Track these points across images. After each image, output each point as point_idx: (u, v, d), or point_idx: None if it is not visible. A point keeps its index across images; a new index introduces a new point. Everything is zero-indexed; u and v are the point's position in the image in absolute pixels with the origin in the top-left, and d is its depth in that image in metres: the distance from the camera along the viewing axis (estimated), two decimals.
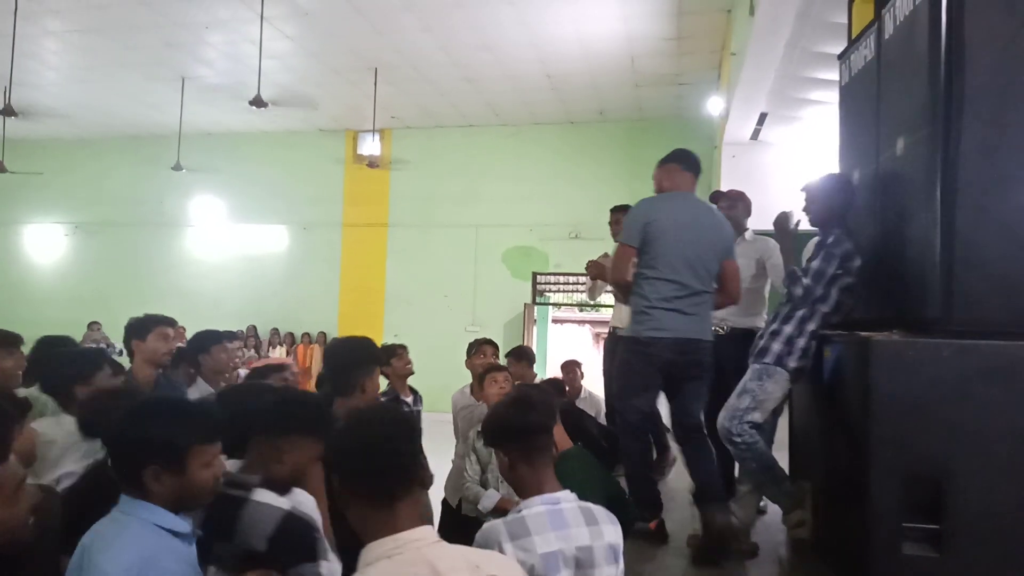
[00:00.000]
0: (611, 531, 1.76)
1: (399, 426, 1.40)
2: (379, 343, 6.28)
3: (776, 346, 2.75)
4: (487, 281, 11.09)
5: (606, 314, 11.16)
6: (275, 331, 11.47)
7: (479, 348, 4.12)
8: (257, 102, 7.74)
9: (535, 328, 11.10)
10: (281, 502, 1.72)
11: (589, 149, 10.91)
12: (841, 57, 3.23)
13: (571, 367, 4.96)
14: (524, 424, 1.79)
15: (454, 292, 11.10)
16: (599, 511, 1.79)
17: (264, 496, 1.70)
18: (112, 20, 7.80)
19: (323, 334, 11.45)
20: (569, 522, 1.70)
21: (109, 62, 9.06)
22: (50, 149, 12.34)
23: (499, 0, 7.13)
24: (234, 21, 7.69)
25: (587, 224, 10.32)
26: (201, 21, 7.78)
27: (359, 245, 11.74)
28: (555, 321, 12.39)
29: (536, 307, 11.22)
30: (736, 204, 3.69)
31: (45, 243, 12.96)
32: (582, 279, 6.27)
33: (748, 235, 3.69)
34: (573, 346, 12.68)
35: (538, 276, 11.12)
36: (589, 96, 9.84)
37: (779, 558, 3.00)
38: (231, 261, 12.20)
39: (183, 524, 1.48)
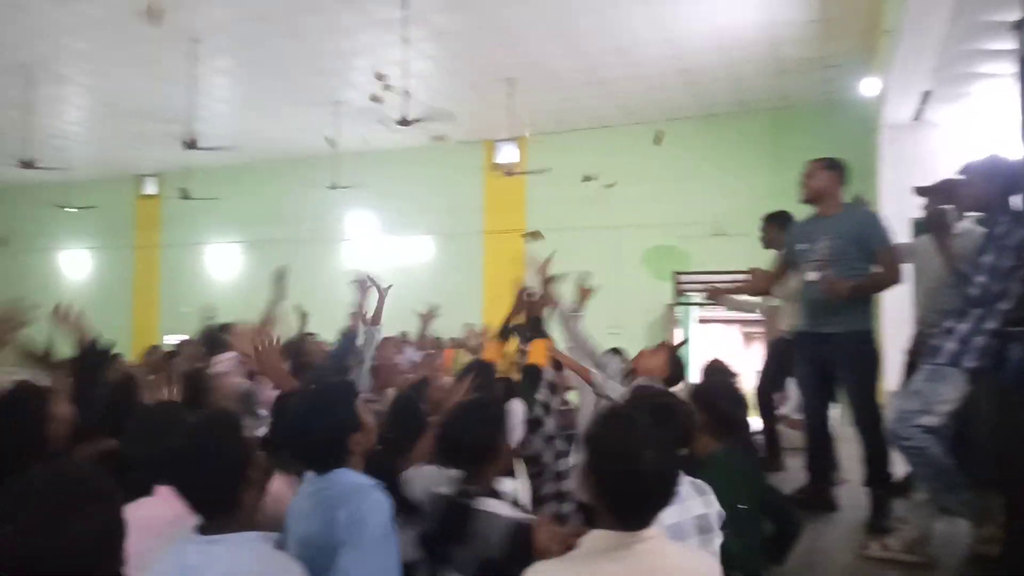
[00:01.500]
0: (714, 500, 2.01)
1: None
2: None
3: (950, 345, 2.54)
4: (627, 283, 10.97)
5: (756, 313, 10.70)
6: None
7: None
8: (403, 121, 8.18)
9: (679, 329, 10.84)
10: (507, 511, 1.88)
11: (729, 142, 10.52)
12: (1021, 26, 2.92)
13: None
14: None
15: (594, 295, 11.07)
16: (701, 483, 2.02)
17: (491, 506, 1.88)
18: (270, 54, 8.56)
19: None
20: (683, 495, 1.88)
21: (269, 93, 9.94)
22: (224, 176, 13.70)
23: (630, 1, 7.08)
24: (377, 46, 8.18)
25: (730, 220, 9.95)
26: (347, 48, 8.35)
27: (500, 252, 12.04)
28: (701, 321, 12.02)
29: (679, 307, 10.94)
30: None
31: (223, 260, 14.40)
32: (728, 278, 6.09)
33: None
34: (721, 347, 12.25)
35: (680, 276, 10.86)
36: (727, 87, 9.49)
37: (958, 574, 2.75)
38: (383, 272, 12.85)
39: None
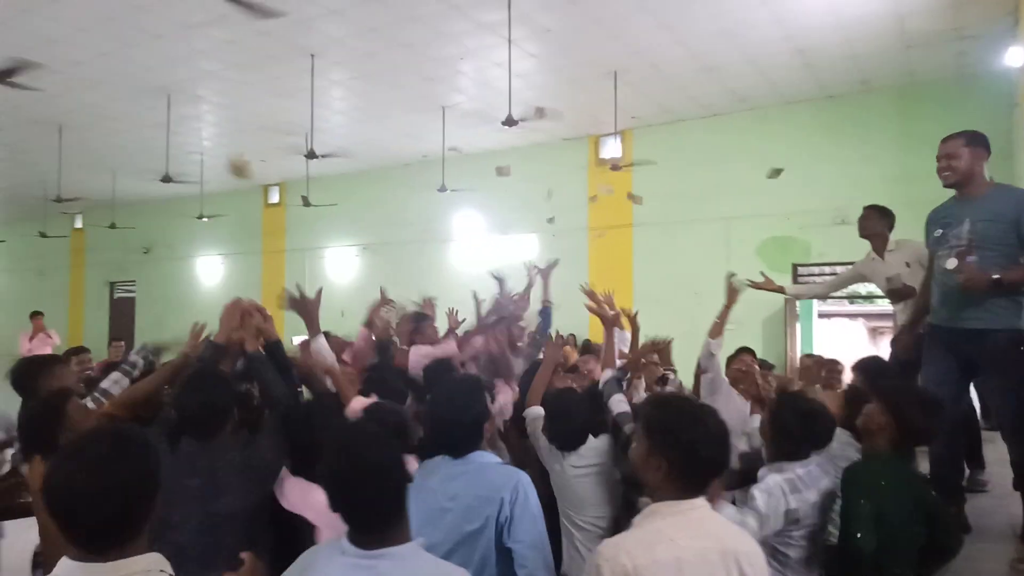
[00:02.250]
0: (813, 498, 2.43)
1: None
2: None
3: None
4: (741, 276, 10.58)
5: (883, 305, 10.03)
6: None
7: (738, 356, 4.12)
8: (508, 121, 8.27)
9: (798, 324, 10.32)
10: None
11: (850, 124, 9.90)
12: None
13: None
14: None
15: (706, 290, 10.69)
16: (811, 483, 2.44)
17: None
18: (381, 65, 8.87)
19: (573, 336, 11.83)
20: (776, 492, 2.35)
21: (381, 102, 10.32)
22: (340, 183, 14.37)
23: None
24: (483, 48, 8.31)
25: (854, 207, 9.31)
26: (454, 53, 8.53)
27: (605, 248, 11.94)
28: (821, 316, 11.40)
29: (798, 301, 10.43)
30: None
31: (342, 264, 15.11)
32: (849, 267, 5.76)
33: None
34: (844, 342, 11.57)
35: (799, 268, 10.35)
36: (848, 67, 8.95)
37: None
38: (489, 271, 13.14)
39: None
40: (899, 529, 2.14)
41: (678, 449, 1.72)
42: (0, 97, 9.28)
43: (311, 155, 9.79)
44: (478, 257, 13.31)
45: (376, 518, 1.60)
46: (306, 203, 12.03)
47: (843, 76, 9.30)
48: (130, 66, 8.78)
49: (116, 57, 8.48)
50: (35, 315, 10.76)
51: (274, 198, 16.25)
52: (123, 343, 8.65)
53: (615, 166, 10.91)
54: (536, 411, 3.11)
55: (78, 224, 20.01)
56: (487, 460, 2.15)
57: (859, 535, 2.11)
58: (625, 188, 11.62)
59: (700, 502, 1.75)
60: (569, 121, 11.06)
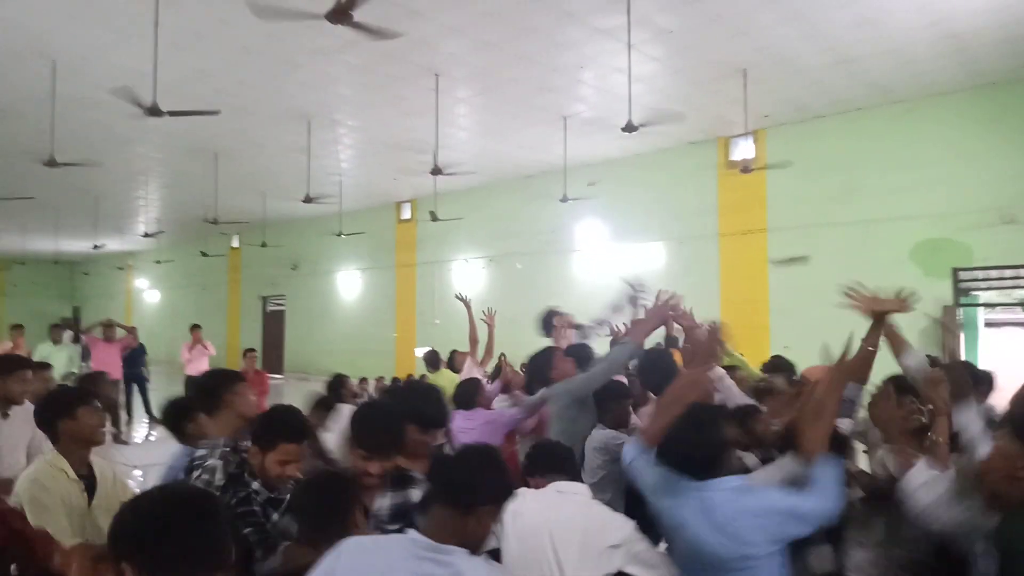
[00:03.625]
0: None
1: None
2: (766, 357, 5.92)
3: None
4: (890, 283, 9.70)
5: None
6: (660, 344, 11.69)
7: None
8: (629, 127, 8.10)
9: (962, 334, 9.29)
10: None
11: (1012, 115, 8.85)
12: None
13: None
14: None
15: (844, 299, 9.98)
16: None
17: None
18: (502, 80, 8.99)
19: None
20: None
21: (502, 116, 10.47)
22: (466, 197, 14.73)
23: None
24: (602, 55, 8.21)
25: (1020, 205, 8.39)
26: (573, 62, 8.48)
27: (737, 255, 11.39)
28: (988, 325, 10.22)
29: (961, 309, 9.41)
30: None
31: (468, 276, 15.47)
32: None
33: None
34: (1014, 353, 10.30)
35: (960, 272, 9.35)
36: (1004, 52, 8.01)
37: None
38: (614, 281, 12.92)
39: None
40: None
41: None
42: (164, 130, 10.33)
43: (436, 171, 10.08)
44: (601, 267, 13.15)
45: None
46: (434, 218, 12.42)
47: (999, 63, 8.33)
48: (273, 95, 9.47)
49: (260, 88, 9.18)
50: (194, 328, 11.79)
51: (406, 214, 16.94)
52: (255, 352, 9.28)
53: (746, 168, 10.39)
54: None
55: (235, 244, 21.88)
56: (733, 484, 2.20)
57: None
58: (757, 191, 11.04)
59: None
60: (694, 124, 10.69)
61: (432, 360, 7.53)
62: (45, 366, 4.70)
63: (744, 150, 10.95)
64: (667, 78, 8.99)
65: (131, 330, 11.20)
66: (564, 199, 11.74)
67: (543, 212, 13.61)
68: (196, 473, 2.40)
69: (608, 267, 13.04)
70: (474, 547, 1.67)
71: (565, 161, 11.67)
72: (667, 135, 11.07)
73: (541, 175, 13.48)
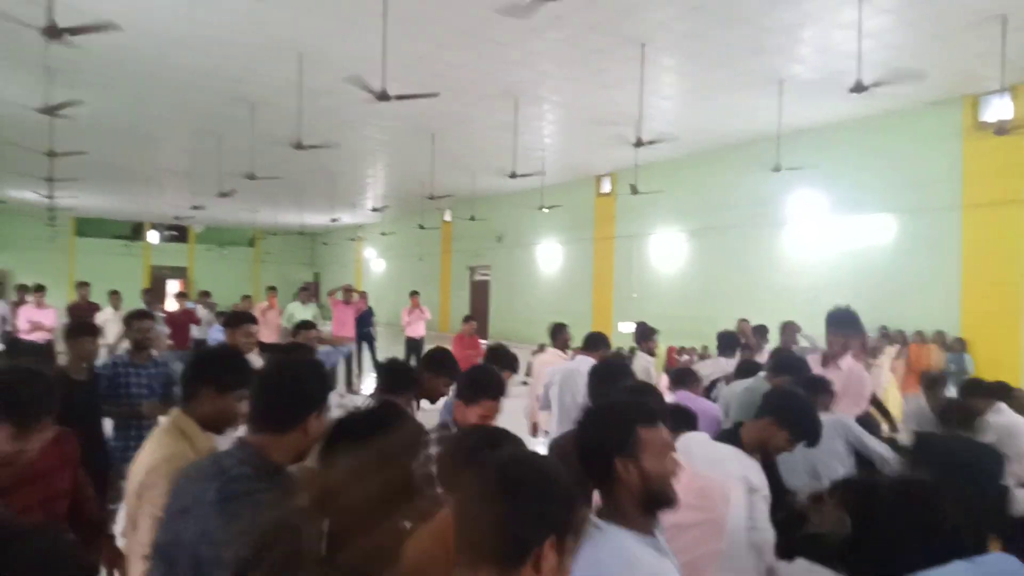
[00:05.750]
0: None
1: None
2: (1015, 346, 5.19)
3: None
4: None
5: None
6: (883, 330, 10.63)
7: None
8: (858, 88, 7.37)
9: None
10: None
11: None
12: None
13: None
14: None
15: None
16: None
17: None
18: (712, 44, 8.59)
19: (940, 333, 10.12)
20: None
21: (711, 83, 10.01)
22: (668, 168, 14.37)
23: None
24: (824, 10, 7.52)
25: None
26: (792, 21, 7.87)
27: (985, 229, 9.96)
28: None
29: None
30: None
31: (668, 249, 15.15)
32: None
33: None
34: None
35: None
36: None
37: None
38: (830, 257, 11.95)
39: None
40: None
41: None
42: (389, 114, 11.27)
43: (638, 143, 9.94)
44: (818, 241, 12.20)
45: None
46: (634, 191, 12.29)
47: None
48: (484, 75, 9.91)
49: (474, 69, 9.64)
50: (413, 294, 12.86)
51: (605, 188, 16.94)
52: (473, 319, 9.85)
53: (1001, 129, 9.01)
54: None
55: (447, 217, 23.39)
56: None
57: None
58: (1015, 156, 9.54)
59: None
60: (935, 81, 9.44)
61: (644, 333, 7.47)
62: (309, 325, 5.44)
63: (999, 109, 9.48)
64: (902, 31, 8.02)
65: (363, 295, 12.57)
66: (777, 168, 11.01)
67: (752, 183, 12.89)
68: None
69: (825, 242, 12.07)
70: None
71: (779, 128, 10.93)
72: (901, 96, 9.91)
73: (750, 143, 12.75)
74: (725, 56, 8.98)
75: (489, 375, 2.68)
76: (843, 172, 11.67)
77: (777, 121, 10.79)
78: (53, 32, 6.10)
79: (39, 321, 9.78)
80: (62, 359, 4.35)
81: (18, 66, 9.62)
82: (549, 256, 19.07)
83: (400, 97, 7.70)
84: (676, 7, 7.60)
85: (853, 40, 7.43)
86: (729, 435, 2.63)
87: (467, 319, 9.70)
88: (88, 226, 29.11)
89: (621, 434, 1.60)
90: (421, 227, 21.29)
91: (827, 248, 12.03)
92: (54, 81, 9.76)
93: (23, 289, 11.40)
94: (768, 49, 8.71)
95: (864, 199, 11.43)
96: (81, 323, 4.19)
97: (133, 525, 1.98)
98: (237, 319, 4.29)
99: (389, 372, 3.11)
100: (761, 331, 7.61)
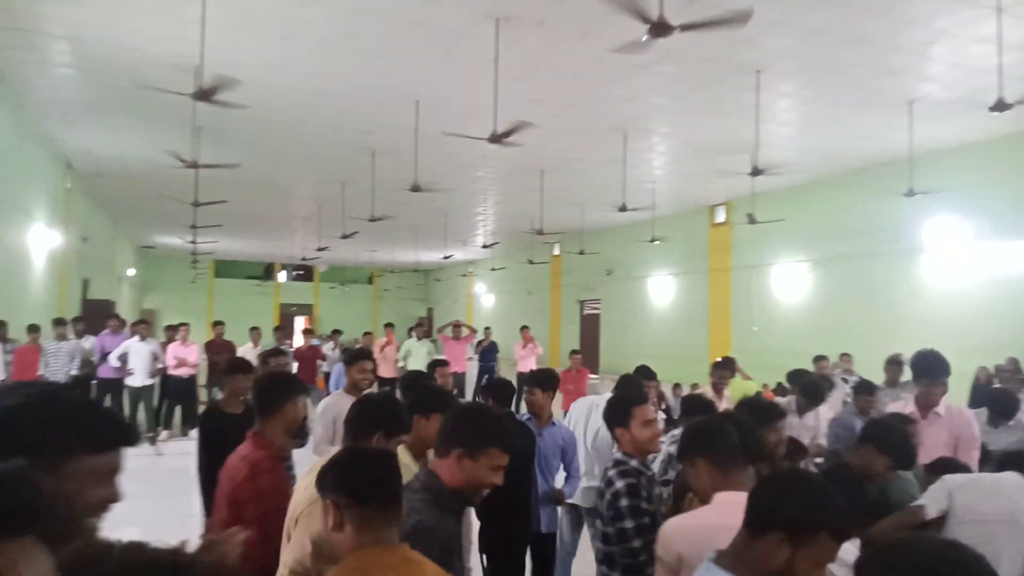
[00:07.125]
0: None
1: None
2: None
3: None
4: None
5: None
6: None
7: None
8: (999, 106, 6.84)
9: None
10: None
11: None
12: None
13: None
14: None
15: None
16: None
17: None
18: (833, 68, 8.24)
19: None
20: None
21: (832, 107, 9.58)
22: (787, 196, 13.81)
23: None
24: (959, 26, 7.06)
25: None
26: (921, 39, 7.43)
27: None
28: None
29: None
30: None
31: (790, 280, 14.47)
32: None
33: None
34: None
35: None
36: None
37: None
38: (976, 286, 10.98)
39: None
40: None
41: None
42: (499, 155, 11.54)
43: (755, 172, 9.64)
44: (959, 270, 11.27)
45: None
46: (752, 220, 11.89)
47: None
48: (593, 113, 9.98)
49: (583, 108, 9.74)
50: (524, 329, 13.00)
51: (720, 217, 16.48)
52: (579, 353, 9.79)
53: None
54: None
55: (556, 251, 23.52)
56: None
57: None
58: None
59: None
60: None
61: (727, 365, 7.39)
62: (442, 363, 5.85)
63: None
64: None
65: (487, 331, 13.16)
66: (909, 193, 10.32)
67: (880, 208, 12.14)
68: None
69: (969, 269, 11.12)
70: None
71: (911, 150, 10.27)
72: None
73: (877, 167, 12.05)
74: (848, 79, 8.59)
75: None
76: (986, 194, 10.78)
77: (908, 143, 10.15)
78: (201, 95, 6.74)
79: (184, 357, 10.65)
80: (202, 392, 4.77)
81: (169, 127, 10.66)
82: (661, 288, 18.71)
83: (505, 134, 7.87)
84: (794, 33, 7.37)
85: (992, 55, 6.91)
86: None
87: (573, 353, 9.68)
88: (225, 268, 31.59)
89: None
90: (531, 262, 21.52)
91: (971, 276, 11.09)
92: (199, 139, 10.73)
93: (171, 329, 12.48)
94: (896, 70, 8.26)
95: (1011, 224, 10.47)
96: (236, 361, 4.55)
97: (287, 538, 2.26)
98: (352, 356, 4.60)
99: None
100: (896, 364, 7.09)
